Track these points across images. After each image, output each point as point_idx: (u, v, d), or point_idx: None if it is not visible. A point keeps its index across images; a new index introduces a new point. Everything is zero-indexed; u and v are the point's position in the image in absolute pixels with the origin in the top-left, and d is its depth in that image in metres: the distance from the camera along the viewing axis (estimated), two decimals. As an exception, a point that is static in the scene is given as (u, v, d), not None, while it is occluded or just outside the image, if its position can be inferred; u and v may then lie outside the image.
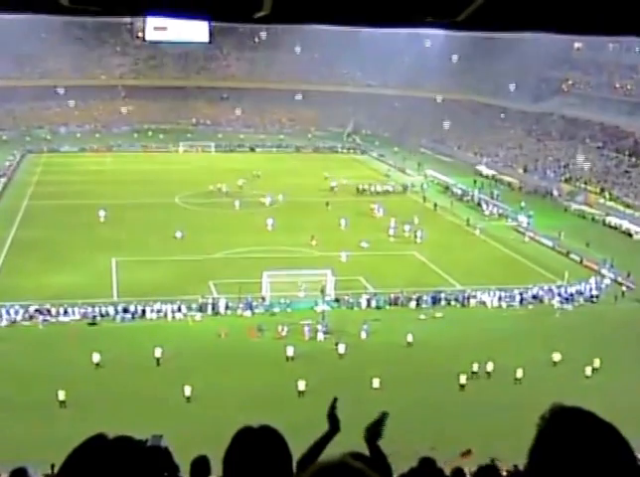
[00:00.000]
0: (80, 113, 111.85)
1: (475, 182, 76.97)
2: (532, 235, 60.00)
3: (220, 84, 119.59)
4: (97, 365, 34.32)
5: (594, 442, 2.04)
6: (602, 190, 72.48)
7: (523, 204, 69.03)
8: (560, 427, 2.10)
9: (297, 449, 3.27)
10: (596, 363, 35.01)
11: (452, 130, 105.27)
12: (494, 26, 2.80)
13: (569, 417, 2.13)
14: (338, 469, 2.01)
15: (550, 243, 57.41)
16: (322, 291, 43.54)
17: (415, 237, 56.99)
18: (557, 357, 35.78)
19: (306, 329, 38.95)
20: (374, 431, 3.78)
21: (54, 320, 40.08)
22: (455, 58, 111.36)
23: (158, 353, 34.77)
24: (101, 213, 59.72)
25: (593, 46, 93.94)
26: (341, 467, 2.02)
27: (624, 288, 47.61)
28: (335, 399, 3.94)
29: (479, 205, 69.60)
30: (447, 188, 77.04)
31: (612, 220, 65.13)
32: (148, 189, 70.83)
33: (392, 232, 57.71)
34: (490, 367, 34.39)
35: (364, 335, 38.76)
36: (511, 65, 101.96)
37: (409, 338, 38.23)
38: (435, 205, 67.90)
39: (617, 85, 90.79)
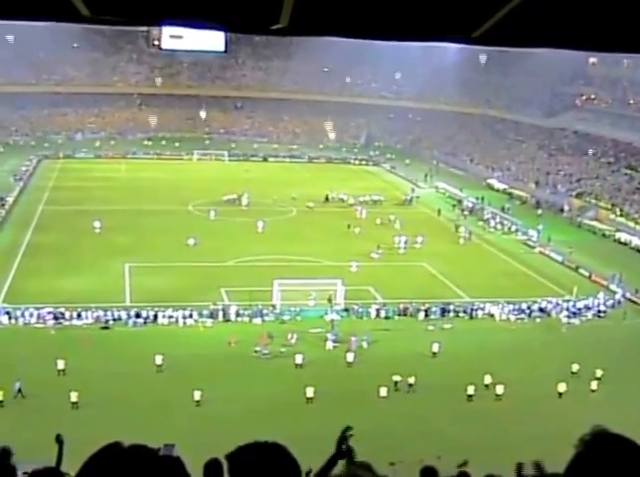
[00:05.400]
0: (95, 120, 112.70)
1: (483, 199, 76.53)
2: (541, 249, 59.84)
3: (234, 94, 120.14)
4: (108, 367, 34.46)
5: (632, 470, 2.03)
6: (613, 206, 72.19)
7: (540, 211, 71.56)
8: (598, 452, 2.07)
9: (305, 455, 3.29)
10: (600, 377, 35.01)
11: (465, 143, 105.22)
12: (510, 42, 2.82)
13: (610, 443, 2.10)
14: None
15: (559, 258, 57.17)
16: (330, 300, 43.65)
17: (399, 247, 57.00)
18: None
19: (353, 339, 38.76)
20: (342, 449, 3.81)
21: (67, 323, 40.31)
22: (469, 71, 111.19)
23: (159, 360, 34.90)
24: (97, 223, 58.73)
25: (608, 61, 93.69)
26: None
27: (622, 299, 48.00)
28: (347, 428, 3.94)
29: (486, 220, 69.46)
30: (460, 201, 76.73)
31: (623, 236, 64.83)
32: (162, 196, 71.31)
33: (402, 244, 57.61)
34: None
35: (365, 345, 38.88)
36: (525, 79, 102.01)
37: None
38: (457, 227, 65.46)
39: (631, 102, 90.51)
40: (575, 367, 36.03)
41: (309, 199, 71.47)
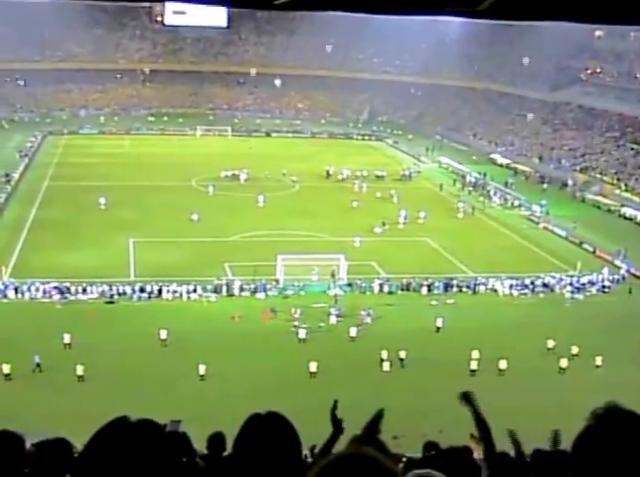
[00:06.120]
0: (99, 97, 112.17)
1: (485, 174, 76.16)
2: (545, 224, 59.71)
3: (237, 69, 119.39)
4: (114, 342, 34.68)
5: None
6: (618, 180, 71.84)
7: (545, 186, 71.91)
8: (610, 426, 2.07)
9: (309, 429, 3.31)
10: (603, 353, 34.80)
11: (468, 118, 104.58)
12: (514, 15, 2.77)
13: (623, 418, 2.09)
14: (352, 459, 2.02)
15: (563, 233, 57.04)
16: (333, 275, 43.62)
17: (398, 222, 56.85)
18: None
19: (363, 313, 38.87)
20: (372, 430, 3.83)
21: (73, 298, 40.50)
22: (473, 45, 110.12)
23: (164, 335, 34.88)
24: (102, 200, 58.29)
25: (614, 35, 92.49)
26: (355, 457, 2.02)
27: (627, 275, 47.86)
28: (335, 402, 3.97)
29: (488, 192, 69.31)
30: (463, 176, 76.41)
31: (628, 211, 64.47)
32: (165, 172, 71.14)
33: (402, 219, 57.46)
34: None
35: (368, 320, 38.81)
36: (529, 53, 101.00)
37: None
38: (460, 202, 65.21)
39: (637, 75, 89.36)
40: (578, 341, 35.98)
41: (299, 173, 71.24)
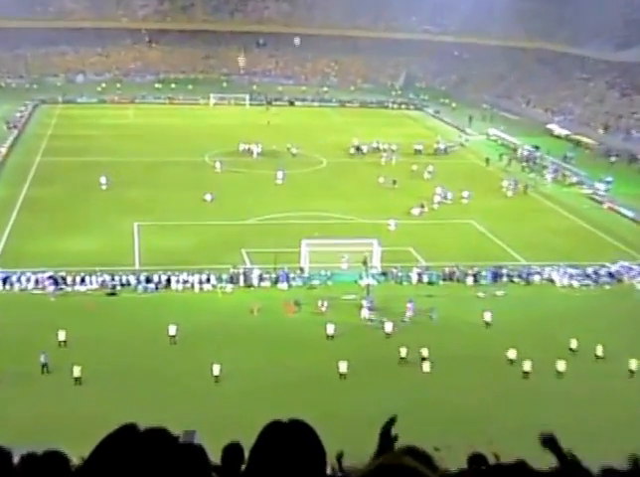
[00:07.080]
0: (98, 60, 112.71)
1: (538, 147, 75.17)
2: (610, 203, 58.88)
3: (256, 29, 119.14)
4: (116, 339, 34.78)
5: None
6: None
7: (613, 160, 71.15)
8: None
9: (337, 439, 3.02)
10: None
11: (519, 83, 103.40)
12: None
13: None
14: (392, 470, 2.02)
15: (631, 214, 56.21)
16: (365, 263, 43.27)
17: (433, 201, 56.36)
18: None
19: (408, 305, 38.75)
20: (386, 443, 3.67)
21: (69, 289, 40.68)
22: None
23: (173, 330, 34.82)
24: (103, 179, 58.19)
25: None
26: (394, 468, 2.03)
27: None
28: (392, 418, 3.81)
29: (543, 168, 68.62)
30: (514, 150, 75.74)
31: None
32: (175, 146, 71.38)
33: (437, 198, 56.92)
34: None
35: (410, 313, 38.50)
36: (591, 5, 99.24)
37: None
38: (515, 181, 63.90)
39: None
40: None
41: (328, 147, 71.38)
